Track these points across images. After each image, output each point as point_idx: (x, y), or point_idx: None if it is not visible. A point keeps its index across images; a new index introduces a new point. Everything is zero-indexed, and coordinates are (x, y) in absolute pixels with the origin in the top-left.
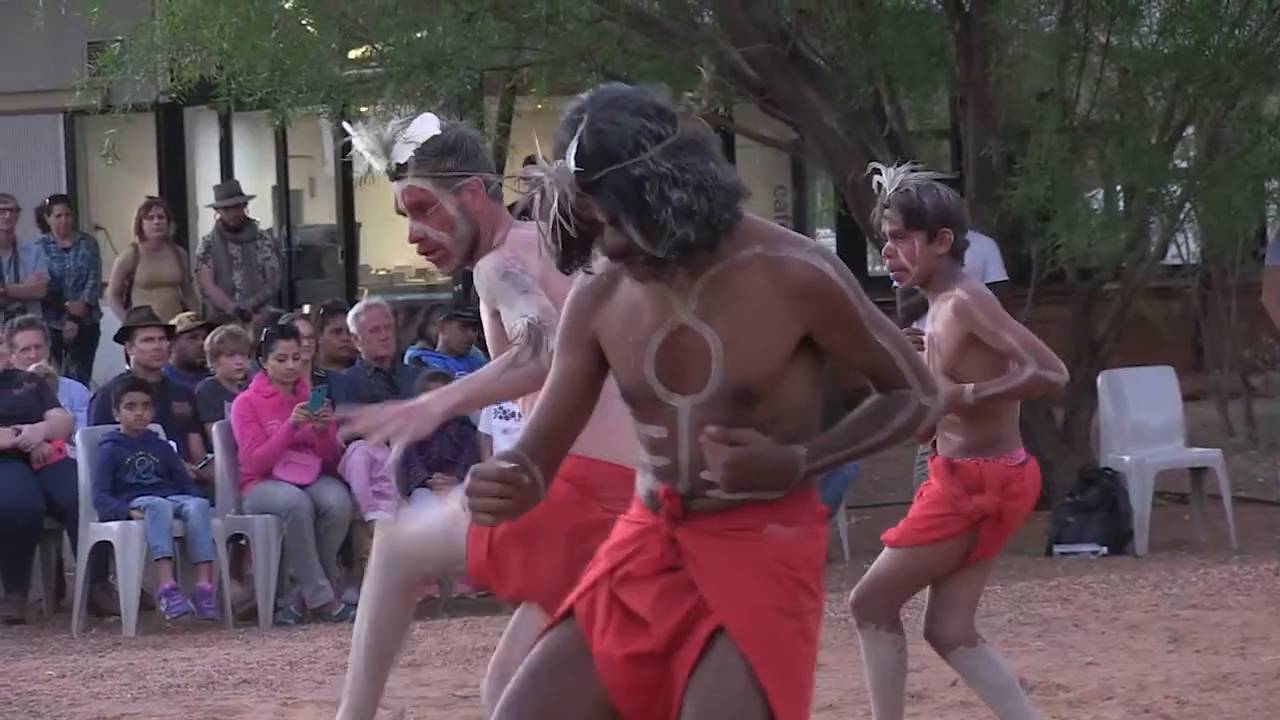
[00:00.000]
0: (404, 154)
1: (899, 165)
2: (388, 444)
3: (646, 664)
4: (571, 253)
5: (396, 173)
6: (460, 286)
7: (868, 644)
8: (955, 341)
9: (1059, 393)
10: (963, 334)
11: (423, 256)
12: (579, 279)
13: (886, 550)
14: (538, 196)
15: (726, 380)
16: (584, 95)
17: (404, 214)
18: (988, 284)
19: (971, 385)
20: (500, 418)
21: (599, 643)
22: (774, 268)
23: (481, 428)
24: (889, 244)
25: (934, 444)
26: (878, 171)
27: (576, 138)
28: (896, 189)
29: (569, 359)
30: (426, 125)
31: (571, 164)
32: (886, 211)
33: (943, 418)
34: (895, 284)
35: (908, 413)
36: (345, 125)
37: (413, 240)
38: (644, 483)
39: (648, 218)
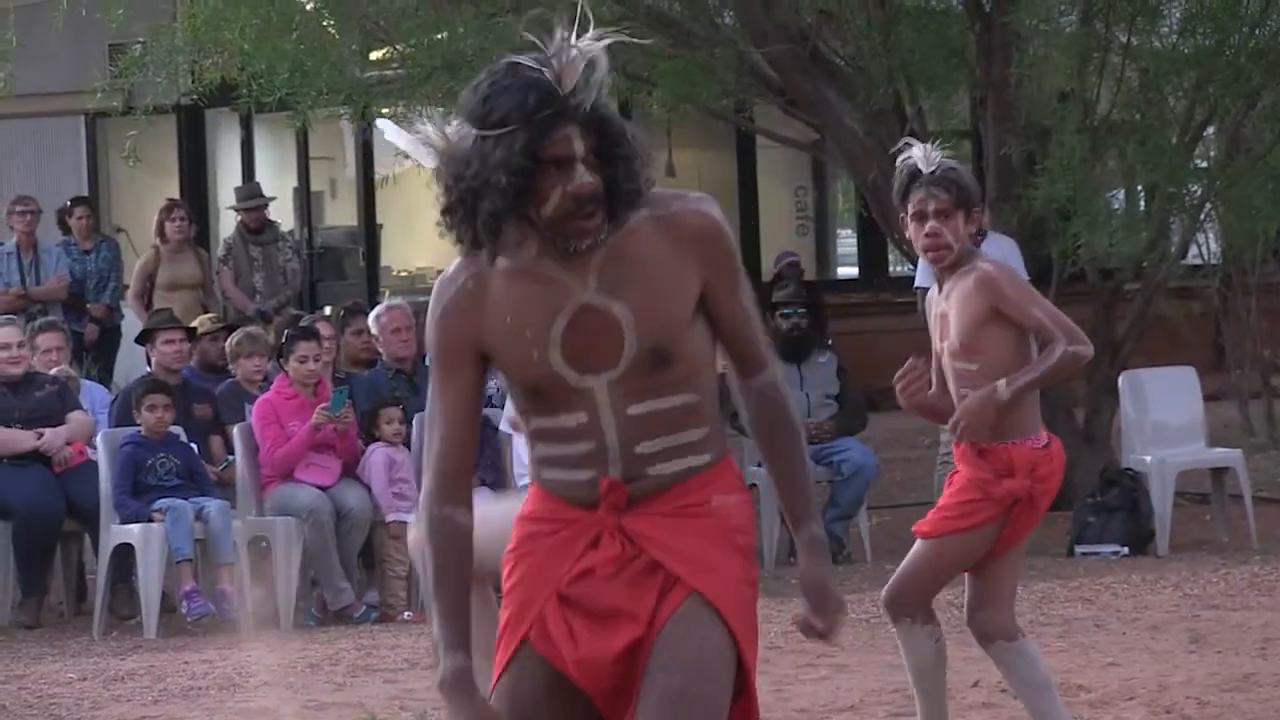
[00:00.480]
0: None
1: (929, 144)
2: (406, 445)
3: (637, 653)
4: (507, 215)
5: None
6: None
7: (905, 639)
8: (975, 317)
9: (1080, 392)
10: (985, 308)
11: None
12: (439, 302)
13: (918, 542)
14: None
15: (641, 348)
16: (498, 64)
17: None
18: None
19: (1003, 381)
20: None
21: (576, 652)
22: (667, 224)
23: (503, 428)
24: (932, 223)
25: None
26: (904, 149)
27: (585, 62)
28: (940, 167)
29: (460, 381)
30: None
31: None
32: (932, 189)
33: (982, 416)
34: (933, 266)
35: (786, 407)
36: (387, 124)
37: None
38: (562, 477)
39: (628, 149)
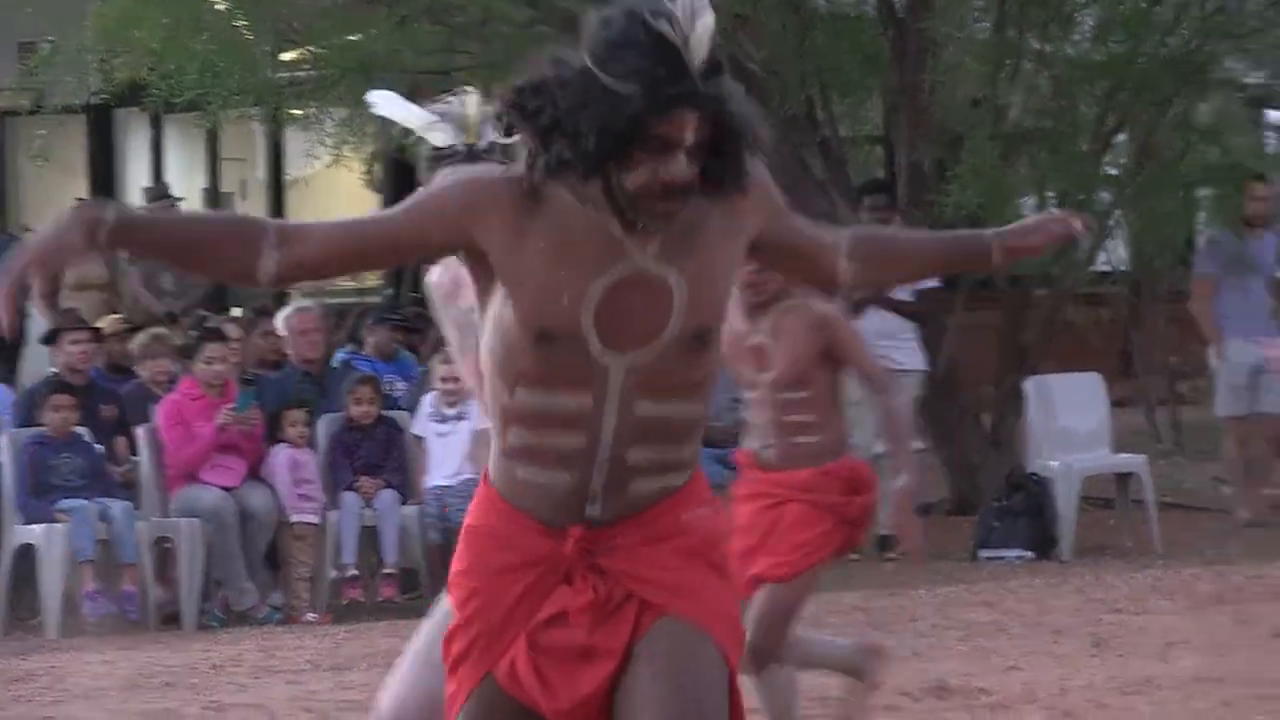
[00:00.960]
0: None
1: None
2: (311, 447)
3: (612, 682)
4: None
5: (481, 153)
6: (392, 290)
7: (768, 684)
8: (809, 352)
9: (987, 397)
10: (822, 345)
11: None
12: (488, 171)
13: (770, 588)
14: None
15: (686, 326)
16: (632, 6)
17: None
18: (920, 291)
19: (903, 476)
20: (436, 420)
21: (554, 703)
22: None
23: (415, 430)
24: None
25: (753, 455)
26: None
27: (710, 34)
28: None
29: (426, 231)
30: None
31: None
32: None
33: (785, 424)
34: (752, 300)
35: (888, 230)
36: (382, 95)
37: None
38: (538, 478)
39: (742, 147)
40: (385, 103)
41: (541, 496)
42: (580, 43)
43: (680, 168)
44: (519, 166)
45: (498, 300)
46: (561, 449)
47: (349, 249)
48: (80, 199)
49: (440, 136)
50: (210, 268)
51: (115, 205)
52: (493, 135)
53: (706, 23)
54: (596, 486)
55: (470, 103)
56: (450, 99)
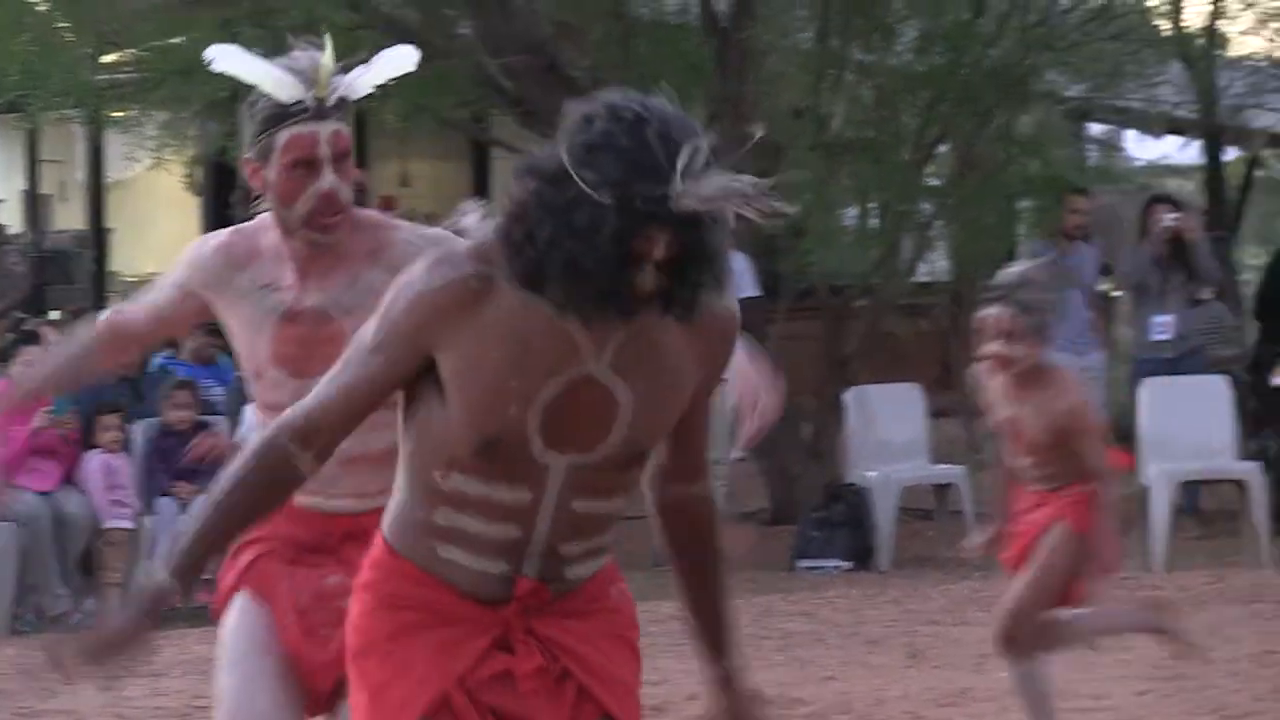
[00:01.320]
0: (360, 89)
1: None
2: (126, 450)
3: None
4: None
5: (330, 109)
6: None
7: None
8: None
9: (808, 407)
10: None
11: (323, 225)
12: (432, 277)
13: None
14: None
15: (626, 441)
16: (629, 103)
17: (304, 165)
18: (740, 299)
19: None
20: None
21: None
22: (700, 317)
23: (245, 434)
24: None
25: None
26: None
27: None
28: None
29: (399, 363)
30: (403, 59)
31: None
32: None
33: None
34: None
35: (717, 525)
36: (222, 50)
37: (326, 196)
38: (467, 563)
39: (712, 274)
40: (227, 57)
41: (467, 577)
42: (558, 140)
43: (645, 279)
44: (460, 263)
45: (432, 397)
46: (495, 538)
47: (352, 417)
48: None
49: (287, 91)
50: (271, 511)
51: (163, 564)
52: (342, 90)
53: (709, 184)
54: (529, 573)
55: (320, 55)
56: (298, 52)
